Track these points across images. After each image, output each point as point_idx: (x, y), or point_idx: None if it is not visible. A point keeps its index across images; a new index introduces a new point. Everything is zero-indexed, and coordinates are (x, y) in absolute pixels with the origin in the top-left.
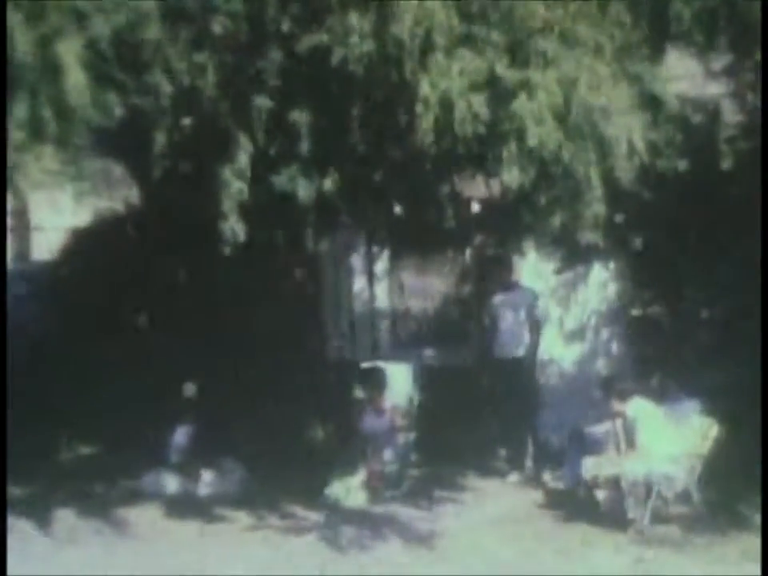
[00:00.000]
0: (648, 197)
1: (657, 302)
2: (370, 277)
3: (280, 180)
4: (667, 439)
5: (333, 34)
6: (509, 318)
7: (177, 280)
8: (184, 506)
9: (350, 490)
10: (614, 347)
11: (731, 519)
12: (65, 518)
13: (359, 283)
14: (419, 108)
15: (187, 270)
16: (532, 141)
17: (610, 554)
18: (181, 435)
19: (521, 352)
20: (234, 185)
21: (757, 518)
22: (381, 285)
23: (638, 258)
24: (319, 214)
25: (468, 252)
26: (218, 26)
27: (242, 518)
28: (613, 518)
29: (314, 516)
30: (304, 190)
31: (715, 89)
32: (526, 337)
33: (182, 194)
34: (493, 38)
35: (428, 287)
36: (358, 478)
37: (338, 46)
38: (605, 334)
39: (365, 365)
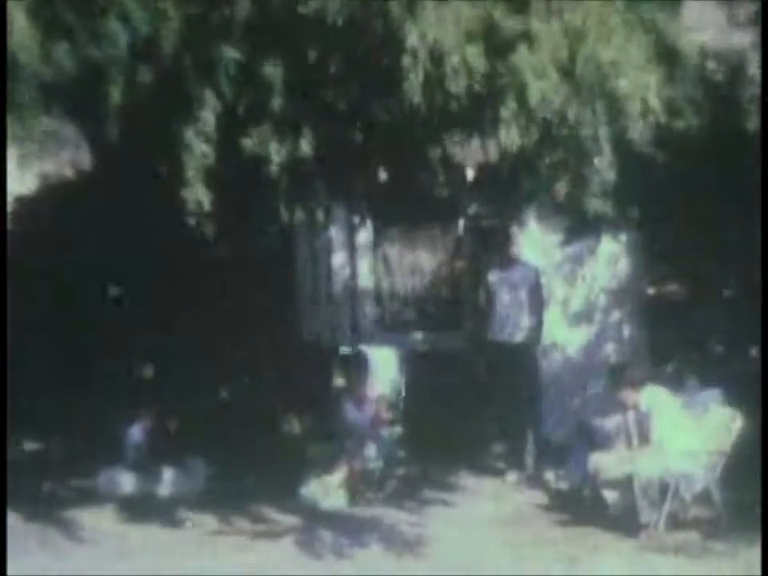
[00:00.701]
0: (664, 161)
1: (674, 278)
2: (351, 251)
3: (250, 142)
4: (685, 433)
5: None
6: (507, 298)
7: (134, 254)
8: (142, 508)
9: (328, 489)
10: (626, 330)
11: (757, 523)
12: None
13: (339, 258)
14: (406, 61)
15: (145, 244)
16: (533, 98)
17: (621, 563)
18: (138, 428)
19: (521, 336)
20: (199, 148)
21: None
22: (363, 260)
23: (653, 230)
24: (293, 180)
25: (461, 223)
26: None
27: (208, 521)
28: (623, 521)
29: (289, 519)
30: (276, 154)
31: (739, 40)
32: (527, 319)
33: (139, 158)
34: None
35: (416, 263)
36: (338, 476)
37: None
38: (615, 315)
39: (345, 350)
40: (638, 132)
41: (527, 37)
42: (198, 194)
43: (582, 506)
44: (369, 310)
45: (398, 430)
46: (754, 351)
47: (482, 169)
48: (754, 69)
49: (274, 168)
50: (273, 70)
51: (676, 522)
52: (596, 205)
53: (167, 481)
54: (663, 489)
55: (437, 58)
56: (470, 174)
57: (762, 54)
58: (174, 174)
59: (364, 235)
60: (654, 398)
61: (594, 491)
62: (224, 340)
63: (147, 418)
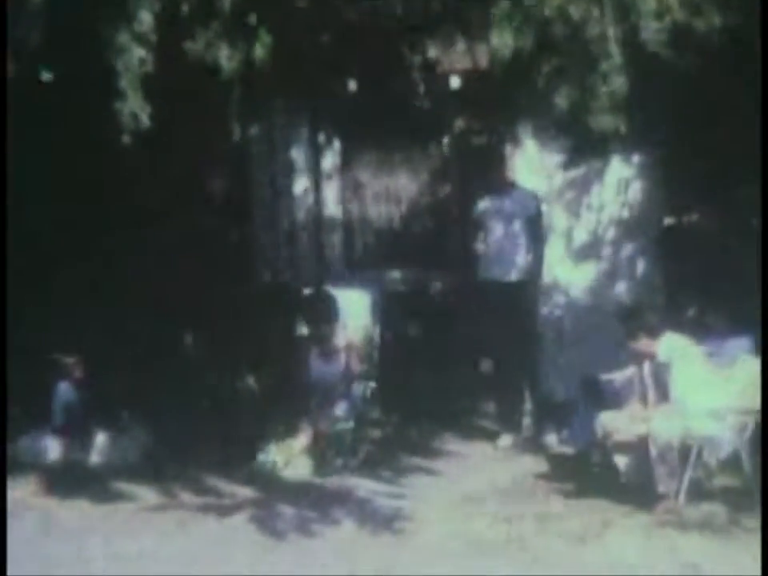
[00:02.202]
0: (683, 67)
1: (696, 206)
2: (316, 175)
3: (195, 46)
4: (710, 388)
5: None
6: (500, 230)
7: (57, 179)
8: (70, 479)
9: (289, 456)
10: (640, 267)
11: None
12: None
13: (301, 183)
14: None
15: (70, 165)
16: None
17: (635, 540)
18: (66, 387)
19: (516, 274)
20: (135, 53)
21: None
22: (330, 186)
23: (671, 148)
24: (247, 90)
25: (446, 141)
26: None
27: (147, 494)
28: (638, 492)
29: (243, 491)
30: (227, 60)
31: None
32: (524, 254)
33: (64, 65)
34: None
35: (393, 189)
36: (301, 440)
37: None
38: (627, 249)
39: (309, 291)
40: (653, 32)
41: None
42: (133, 107)
43: (589, 474)
44: (336, 244)
45: (371, 385)
46: None
47: (470, 77)
48: None
49: (224, 77)
50: None
51: (699, 493)
52: (604, 120)
53: (99, 447)
54: (684, 453)
55: None
56: (456, 82)
57: (763, 55)
58: (106, 84)
59: (331, 156)
60: (674, 347)
61: (603, 457)
62: (165, 282)
63: (76, 371)
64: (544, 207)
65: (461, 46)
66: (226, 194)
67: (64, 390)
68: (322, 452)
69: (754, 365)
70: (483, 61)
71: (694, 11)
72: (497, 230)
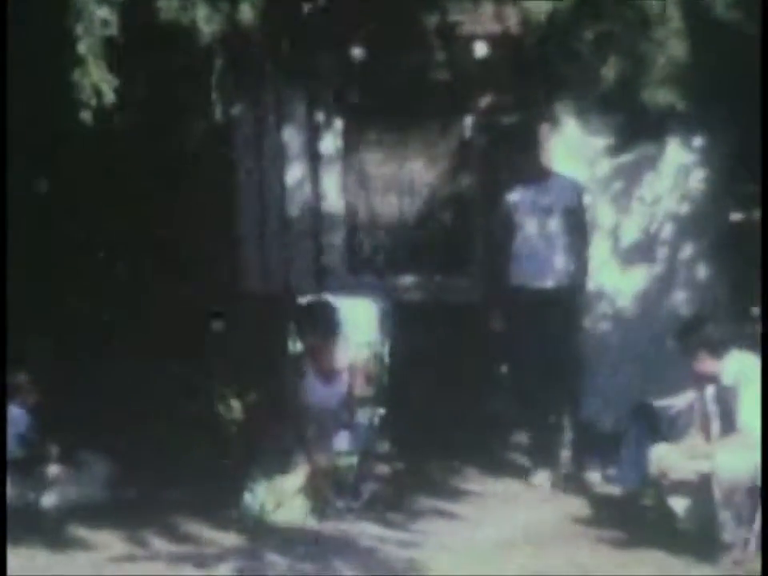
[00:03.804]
0: (754, 32)
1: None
2: (314, 161)
3: (168, 5)
4: None
5: None
6: (535, 227)
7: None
8: (20, 523)
9: (281, 497)
10: (701, 272)
11: None
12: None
13: (296, 172)
14: None
15: (23, 144)
16: None
17: None
18: (17, 414)
19: (553, 281)
20: (96, 13)
21: None
22: (330, 174)
23: (740, 131)
24: (231, 59)
25: (469, 121)
26: None
27: (112, 542)
28: (699, 541)
29: (227, 538)
30: (207, 21)
31: None
32: (563, 256)
33: (17, 28)
34: None
35: (405, 178)
36: (295, 478)
37: None
38: (686, 251)
39: (305, 300)
40: None
41: None
42: (95, 78)
43: (639, 519)
44: (338, 244)
45: (379, 412)
46: None
47: (498, 44)
48: None
49: (203, 42)
50: None
51: None
52: (659, 95)
53: (54, 484)
54: (754, 495)
55: None
56: (481, 50)
57: (763, 54)
58: (63, 50)
59: (332, 139)
60: (742, 369)
61: (657, 499)
62: (136, 289)
63: (29, 394)
64: (587, 200)
65: (487, 5)
66: (205, 185)
67: (17, 416)
68: (320, 492)
69: None
70: (514, 25)
71: None
72: (530, 227)
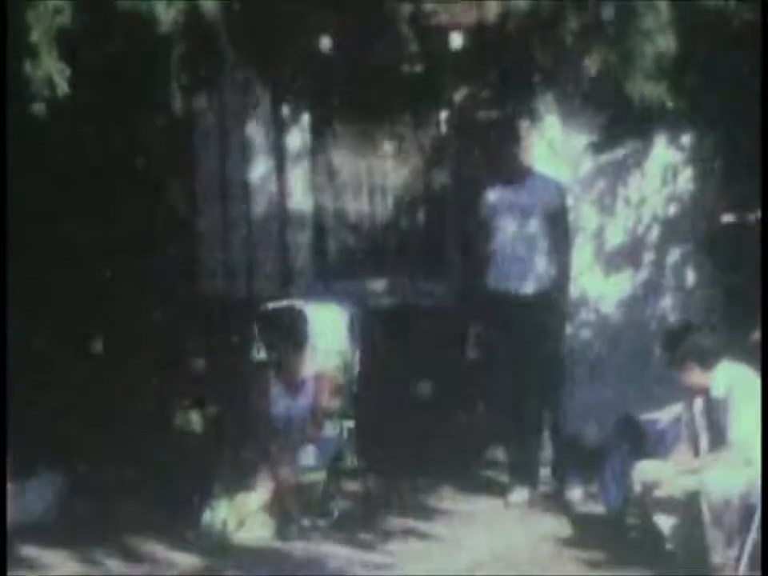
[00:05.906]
0: (745, 24)
1: (760, 201)
2: (279, 158)
3: None
4: None
5: None
6: (513, 229)
7: None
8: None
9: (244, 515)
10: (690, 278)
11: None
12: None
13: (260, 169)
14: None
15: None
16: None
17: None
18: None
19: (534, 286)
20: (49, 0)
21: None
22: (296, 172)
23: (730, 129)
24: (191, 49)
25: (444, 116)
26: None
27: (62, 562)
28: (686, 560)
29: (185, 559)
30: (166, 10)
31: None
32: (544, 260)
33: None
34: None
35: (376, 176)
36: (258, 495)
37: None
38: (674, 255)
39: (271, 306)
40: None
41: None
42: (48, 68)
43: (623, 541)
44: (305, 245)
45: (348, 425)
46: None
47: (475, 35)
48: None
49: (162, 31)
50: None
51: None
52: (646, 88)
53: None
54: (745, 513)
55: None
56: (457, 41)
57: (763, 53)
58: (16, 40)
59: (298, 134)
60: (732, 380)
61: (642, 517)
62: (91, 295)
63: None
64: (569, 200)
65: None
66: (162, 182)
67: None
68: (285, 510)
69: None
70: (492, 13)
71: None
72: (509, 229)
